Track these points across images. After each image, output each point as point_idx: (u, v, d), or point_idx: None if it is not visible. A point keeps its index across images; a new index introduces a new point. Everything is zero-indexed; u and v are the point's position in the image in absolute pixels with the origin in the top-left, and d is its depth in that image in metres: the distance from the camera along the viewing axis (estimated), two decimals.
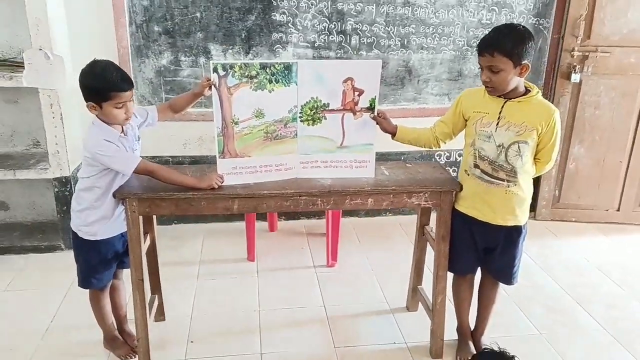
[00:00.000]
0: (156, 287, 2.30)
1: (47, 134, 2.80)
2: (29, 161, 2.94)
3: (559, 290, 2.74)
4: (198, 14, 2.95)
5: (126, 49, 2.94)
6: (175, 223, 3.29)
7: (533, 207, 3.48)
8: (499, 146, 1.87)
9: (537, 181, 3.42)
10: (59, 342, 2.25)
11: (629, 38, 3.11)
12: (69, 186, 2.91)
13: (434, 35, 3.16)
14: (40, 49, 2.64)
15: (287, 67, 1.89)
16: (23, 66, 2.77)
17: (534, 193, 3.34)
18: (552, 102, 3.20)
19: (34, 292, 2.63)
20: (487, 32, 1.83)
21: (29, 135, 3.09)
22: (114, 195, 1.87)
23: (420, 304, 2.42)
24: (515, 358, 1.58)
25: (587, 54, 3.14)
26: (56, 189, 2.91)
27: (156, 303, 2.29)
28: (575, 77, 3.17)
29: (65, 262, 2.87)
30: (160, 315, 2.37)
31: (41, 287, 2.67)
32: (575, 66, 3.16)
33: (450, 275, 2.16)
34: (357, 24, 3.08)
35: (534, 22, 3.19)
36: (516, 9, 3.16)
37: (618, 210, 3.45)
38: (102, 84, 1.75)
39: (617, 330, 2.40)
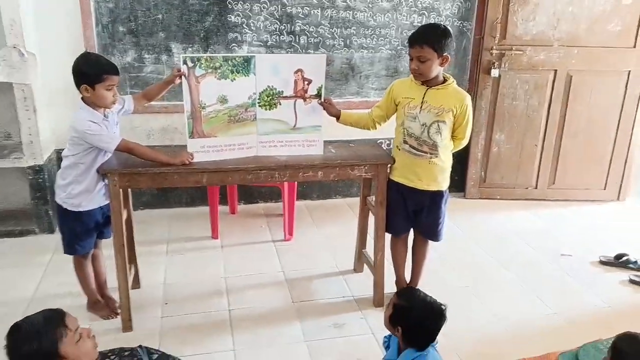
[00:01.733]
0: (132, 258, 2.58)
1: (21, 125, 3.02)
2: (2, 151, 3.14)
3: (483, 253, 3.20)
4: (160, 16, 3.24)
5: (93, 47, 3.18)
6: (141, 209, 3.54)
7: (462, 188, 3.97)
8: (423, 125, 2.29)
9: (465, 164, 3.91)
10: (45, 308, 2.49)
11: (537, 38, 3.63)
12: (42, 174, 3.13)
13: (372, 36, 3.57)
14: (15, 47, 2.87)
15: (247, 60, 2.24)
16: None
17: (463, 175, 3.86)
18: (476, 95, 3.72)
19: (13, 270, 2.84)
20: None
21: (0, 128, 3.28)
22: (97, 171, 2.16)
23: (365, 265, 2.81)
24: (444, 307, 1.75)
25: (503, 52, 3.63)
26: (30, 177, 3.13)
27: (132, 272, 2.58)
28: (494, 72, 3.66)
29: (41, 244, 3.13)
30: (136, 284, 2.65)
31: (20, 266, 2.88)
32: (494, 63, 3.65)
33: (388, 237, 2.56)
34: (305, 26, 3.45)
35: (458, 24, 3.66)
36: (443, 13, 3.62)
37: (536, 187, 3.97)
38: (96, 68, 2.06)
39: (530, 282, 2.87)
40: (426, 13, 3.59)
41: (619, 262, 3.05)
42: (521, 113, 3.78)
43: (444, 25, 2.25)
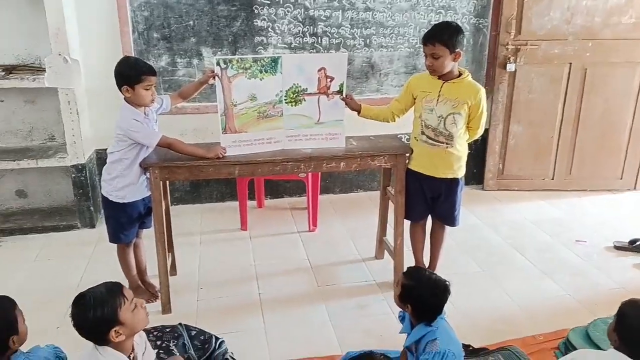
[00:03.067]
0: (170, 247, 2.79)
1: (65, 127, 3.26)
2: (47, 152, 3.39)
3: (500, 240, 3.33)
4: (191, 22, 3.45)
5: (130, 53, 3.40)
6: (174, 204, 3.75)
7: (481, 180, 4.10)
8: (439, 117, 2.44)
9: (483, 157, 4.05)
10: None
11: (552, 33, 3.74)
12: (84, 172, 3.38)
13: (391, 35, 3.73)
14: (60, 54, 3.12)
15: (274, 60, 2.43)
16: (41, 70, 3.26)
17: (481, 167, 3.99)
18: (493, 89, 3.86)
19: (60, 261, 3.08)
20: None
21: (45, 130, 3.54)
22: (140, 165, 2.38)
23: (385, 252, 2.98)
24: (447, 282, 1.90)
25: (519, 47, 3.75)
26: (73, 175, 3.38)
27: (170, 260, 2.79)
28: (510, 67, 3.78)
29: (83, 238, 3.37)
30: (173, 271, 2.85)
31: (65, 257, 3.12)
32: (510, 57, 3.77)
33: (407, 225, 2.72)
34: (327, 27, 3.63)
35: (474, 22, 3.80)
36: (459, 11, 3.76)
37: (552, 178, 4.07)
38: (136, 70, 2.27)
39: (544, 266, 2.99)
40: (443, 11, 3.74)
41: (633, 246, 3.15)
42: (537, 106, 3.89)
43: (455, 23, 2.41)
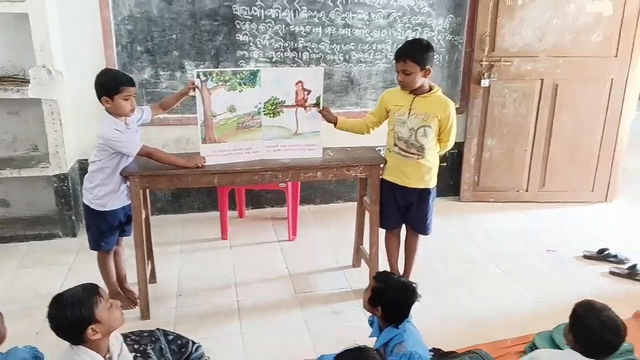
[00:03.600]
0: (149, 255, 2.84)
1: (49, 137, 3.31)
2: (30, 162, 3.43)
3: (474, 249, 3.43)
4: (174, 36, 3.54)
5: (113, 66, 3.47)
6: (156, 214, 3.81)
7: (457, 192, 4.22)
8: (411, 129, 2.54)
9: (459, 169, 4.17)
10: None
11: (524, 50, 3.89)
12: (66, 182, 3.42)
13: (369, 51, 3.85)
14: (44, 66, 3.18)
15: (253, 73, 2.52)
16: (25, 81, 3.31)
17: (457, 179, 4.11)
18: (467, 104, 4.00)
19: (41, 269, 3.11)
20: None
21: (28, 141, 3.58)
22: (120, 174, 2.44)
23: (362, 260, 3.06)
24: (415, 285, 2.00)
25: (492, 63, 3.89)
26: (55, 185, 3.42)
27: (150, 267, 2.84)
28: (484, 82, 3.91)
29: (64, 246, 3.40)
30: (153, 279, 2.90)
31: (47, 265, 3.15)
32: (484, 73, 3.91)
33: (382, 233, 2.80)
34: (307, 43, 3.74)
35: (450, 39, 3.94)
36: (435, 29, 3.90)
37: (527, 190, 4.20)
38: (115, 81, 2.35)
39: (516, 274, 3.09)
40: (419, 29, 3.87)
41: (601, 255, 3.26)
42: (511, 120, 4.03)
43: (426, 41, 2.52)
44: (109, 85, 2.36)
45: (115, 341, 1.79)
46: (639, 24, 3.82)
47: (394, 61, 3.80)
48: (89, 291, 1.66)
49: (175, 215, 3.88)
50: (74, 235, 3.50)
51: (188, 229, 3.69)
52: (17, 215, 3.67)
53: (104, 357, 1.70)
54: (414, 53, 2.42)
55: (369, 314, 2.13)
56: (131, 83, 2.39)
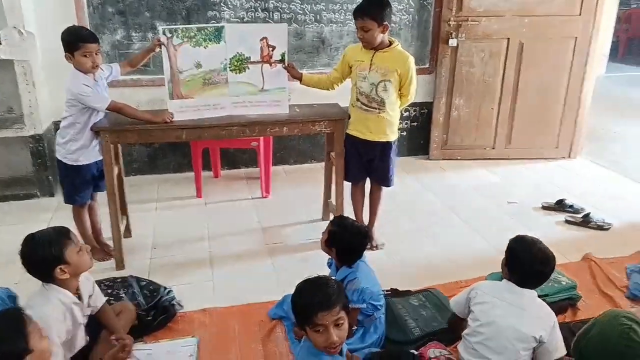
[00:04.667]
0: (124, 210, 2.95)
1: (22, 98, 3.37)
2: (5, 123, 3.48)
3: (439, 203, 3.58)
4: None
5: (86, 27, 3.51)
6: (132, 175, 3.90)
7: (426, 150, 4.35)
8: (372, 84, 2.65)
9: (427, 128, 4.29)
10: None
11: (490, 10, 3.97)
12: (42, 142, 3.49)
13: (340, 11, 3.91)
14: (15, 27, 3.21)
15: (218, 29, 2.59)
16: None
17: (426, 138, 4.22)
18: (436, 64, 4.09)
19: (20, 226, 3.16)
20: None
21: (2, 103, 3.61)
22: (91, 129, 2.53)
23: (331, 213, 3.19)
24: (367, 228, 2.27)
25: (460, 23, 3.98)
26: (31, 145, 3.49)
27: (125, 222, 2.95)
28: (452, 42, 4.00)
29: (42, 205, 3.50)
30: (128, 234, 3.02)
31: (25, 223, 3.23)
32: (452, 33, 3.99)
33: (347, 186, 2.93)
34: (278, 3, 3.79)
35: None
36: None
37: (493, 148, 4.35)
38: (73, 37, 2.41)
39: (476, 224, 3.26)
40: None
41: (559, 206, 3.43)
42: (478, 79, 4.14)
43: None
44: (68, 41, 2.43)
45: (86, 282, 1.92)
46: None
47: None
48: (60, 234, 1.77)
49: (152, 176, 3.97)
50: (52, 195, 3.60)
51: (164, 188, 3.79)
52: None
53: (74, 295, 1.82)
54: (370, 10, 2.50)
55: (328, 256, 2.28)
56: (90, 39, 2.43)
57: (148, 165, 3.97)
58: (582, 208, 3.39)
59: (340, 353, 1.65)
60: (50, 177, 3.57)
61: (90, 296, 1.92)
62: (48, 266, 1.73)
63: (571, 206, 3.40)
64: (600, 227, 3.21)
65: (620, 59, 9.06)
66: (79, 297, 1.85)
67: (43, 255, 1.71)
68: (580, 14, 4.00)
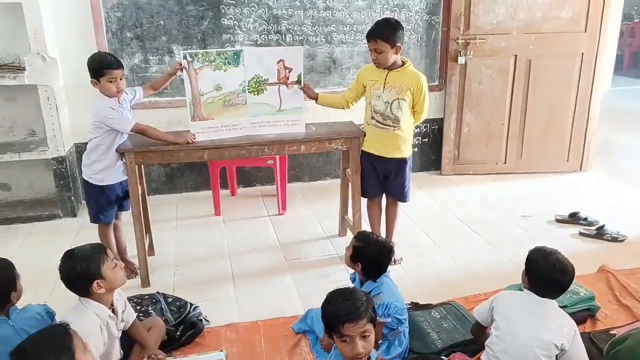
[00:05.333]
0: (147, 228, 3.03)
1: (46, 121, 3.47)
2: (29, 146, 3.59)
3: (453, 217, 3.63)
4: (162, 22, 3.69)
5: (111, 54, 3.63)
6: (151, 194, 3.97)
7: (438, 166, 4.41)
8: (386, 102, 2.73)
9: (439, 144, 4.36)
10: None
11: (498, 27, 4.06)
12: (64, 164, 3.58)
13: (350, 32, 4.02)
14: (38, 53, 3.33)
15: (236, 53, 2.69)
16: (20, 69, 3.46)
17: (438, 154, 4.29)
18: (445, 81, 4.18)
19: (44, 246, 3.28)
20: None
21: (25, 126, 3.74)
22: (116, 151, 2.61)
23: (347, 229, 3.25)
24: (392, 243, 2.31)
25: (468, 41, 4.07)
26: (54, 167, 3.58)
27: (148, 240, 3.02)
28: (461, 60, 4.09)
29: (65, 226, 3.58)
30: (151, 252, 3.09)
31: (50, 243, 3.32)
32: (460, 51, 4.08)
33: (364, 202, 3.00)
34: (290, 25, 3.90)
35: (427, 18, 4.11)
36: (413, 9, 4.06)
37: (505, 162, 4.40)
38: (98, 64, 2.52)
39: (490, 238, 3.30)
40: (397, 9, 4.04)
41: (572, 219, 3.48)
42: (487, 95, 4.22)
43: (395, 20, 2.69)
44: (94, 68, 2.53)
45: (119, 298, 1.99)
46: None
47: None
48: (97, 249, 1.85)
49: (170, 195, 4.06)
50: (74, 215, 3.68)
51: (182, 207, 3.87)
52: (18, 198, 3.84)
53: (109, 309, 1.89)
54: (382, 32, 2.59)
55: (351, 271, 2.34)
56: (116, 66, 2.54)
57: (166, 184, 4.06)
58: (596, 220, 3.42)
59: None
60: (72, 197, 3.66)
61: (123, 311, 1.98)
62: (86, 281, 1.80)
63: (585, 219, 3.44)
64: (614, 239, 3.25)
65: (625, 72, 9.12)
66: (114, 312, 1.91)
67: (81, 270, 1.79)
68: (585, 31, 4.09)
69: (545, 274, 1.85)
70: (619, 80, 8.36)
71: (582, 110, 4.27)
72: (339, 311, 1.62)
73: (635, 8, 9.42)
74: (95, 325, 1.82)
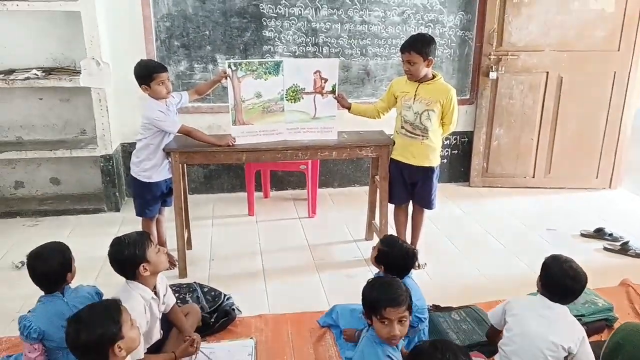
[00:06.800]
0: (186, 224, 3.22)
1: (97, 122, 3.73)
2: (80, 144, 3.86)
3: (479, 228, 3.72)
4: (207, 32, 3.93)
5: (153, 58, 3.87)
6: (190, 194, 4.18)
7: (467, 178, 4.51)
8: (416, 113, 2.87)
9: (469, 157, 4.47)
10: None
11: (530, 44, 4.16)
12: (111, 162, 3.84)
13: (385, 45, 4.17)
14: (93, 58, 3.60)
15: (277, 64, 2.88)
16: (75, 72, 3.74)
17: (467, 166, 4.40)
18: (477, 95, 4.28)
19: (90, 237, 3.52)
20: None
21: (77, 126, 4.02)
22: (163, 150, 2.83)
23: (374, 233, 3.38)
24: (415, 250, 2.43)
25: (500, 57, 4.17)
26: (102, 164, 3.84)
27: (186, 235, 3.22)
28: (492, 75, 4.19)
29: (109, 219, 3.82)
30: (189, 246, 3.28)
31: (95, 234, 3.56)
32: (492, 67, 4.18)
33: (391, 208, 3.13)
34: (327, 38, 4.09)
35: (460, 34, 4.23)
36: (447, 25, 4.19)
37: (533, 177, 4.46)
38: (146, 70, 2.74)
39: (515, 249, 3.38)
40: (432, 25, 4.18)
41: (597, 234, 3.52)
42: (518, 110, 4.30)
43: (429, 35, 2.84)
44: (144, 74, 2.75)
45: (161, 282, 2.17)
46: None
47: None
48: (142, 236, 2.05)
49: (207, 195, 4.27)
50: (118, 210, 3.93)
51: (218, 206, 4.08)
52: (66, 192, 4.12)
53: (152, 291, 2.08)
54: (416, 45, 2.73)
55: (375, 270, 2.47)
56: (162, 69, 2.77)
57: (204, 185, 4.28)
58: (621, 237, 3.47)
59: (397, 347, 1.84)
60: (117, 193, 3.91)
61: (164, 295, 2.17)
62: (133, 264, 1.99)
63: (610, 234, 3.48)
64: (638, 255, 3.29)
65: None
66: (156, 294, 2.10)
67: (129, 255, 1.98)
68: (619, 50, 4.14)
69: (558, 279, 1.95)
70: None
71: (613, 128, 4.31)
72: (383, 295, 1.81)
73: None
74: (140, 305, 2.01)
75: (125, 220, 3.73)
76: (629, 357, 1.68)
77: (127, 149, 4.02)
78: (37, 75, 3.62)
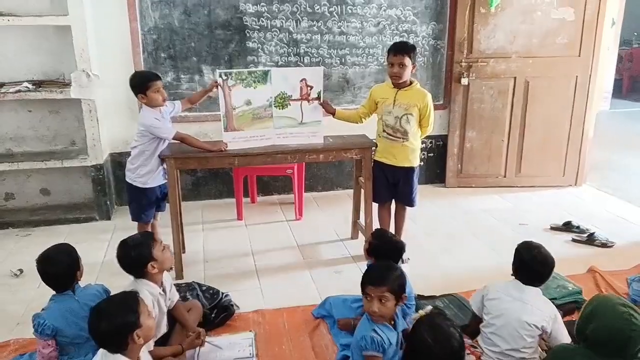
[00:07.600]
0: (180, 227, 3.35)
1: (87, 132, 3.84)
2: (70, 154, 3.96)
3: (456, 225, 3.95)
4: (193, 44, 4.08)
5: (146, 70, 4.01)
6: None
7: (443, 179, 4.75)
8: (396, 117, 3.08)
9: (444, 159, 4.70)
10: (113, 268, 3.20)
11: (498, 52, 4.43)
12: (102, 171, 3.94)
13: (362, 55, 4.40)
14: (83, 70, 3.71)
15: (265, 73, 3.06)
16: (65, 84, 3.85)
17: (443, 167, 4.61)
18: (449, 101, 4.54)
19: (83, 245, 3.47)
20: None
21: (67, 137, 4.11)
22: (158, 156, 2.97)
23: (359, 232, 3.57)
24: (404, 243, 2.63)
25: (471, 64, 4.43)
26: (92, 174, 3.94)
27: (180, 239, 3.35)
28: (464, 81, 4.45)
29: (101, 228, 3.92)
30: (182, 249, 3.41)
31: (88, 242, 3.64)
32: (464, 73, 4.44)
33: (375, 207, 3.32)
34: (308, 48, 4.28)
35: (433, 43, 4.49)
36: (420, 34, 4.44)
37: (505, 176, 4.73)
38: (141, 80, 2.90)
39: (490, 243, 3.62)
40: (406, 35, 4.41)
41: (566, 227, 3.79)
42: (488, 114, 4.57)
43: (412, 43, 3.08)
44: (140, 84, 2.90)
45: (167, 278, 2.32)
46: (597, 27, 4.37)
47: (384, 63, 4.42)
48: (146, 236, 2.20)
49: (195, 202, 4.39)
50: (109, 218, 4.03)
51: (207, 212, 4.21)
52: (57, 202, 4.19)
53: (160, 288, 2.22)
54: (409, 49, 2.97)
55: (365, 264, 2.65)
56: (156, 78, 2.93)
57: (192, 192, 4.40)
58: (588, 229, 3.73)
59: (395, 328, 2.06)
60: (108, 202, 4.01)
61: (169, 291, 2.31)
62: (141, 264, 2.13)
63: (577, 227, 3.75)
64: (604, 245, 3.55)
65: (625, 95, 9.46)
66: (163, 290, 2.24)
67: (136, 255, 2.12)
68: (579, 55, 4.44)
69: (528, 264, 2.17)
70: (618, 103, 8.73)
71: (577, 129, 4.61)
72: (368, 274, 2.04)
73: (635, 34, 9.80)
74: (148, 300, 2.13)
75: (117, 228, 3.84)
76: (600, 323, 1.84)
77: (116, 159, 4.14)
78: (28, 88, 3.71)
